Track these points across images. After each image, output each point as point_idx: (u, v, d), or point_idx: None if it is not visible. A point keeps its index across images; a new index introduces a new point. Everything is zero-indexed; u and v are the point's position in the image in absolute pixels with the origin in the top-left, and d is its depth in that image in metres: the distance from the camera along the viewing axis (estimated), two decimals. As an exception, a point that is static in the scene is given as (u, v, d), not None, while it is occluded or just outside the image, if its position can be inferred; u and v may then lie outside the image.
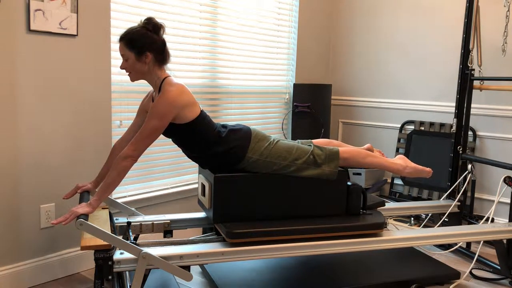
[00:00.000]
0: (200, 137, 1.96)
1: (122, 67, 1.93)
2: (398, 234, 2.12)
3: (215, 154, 1.99)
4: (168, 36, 2.78)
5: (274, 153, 2.02)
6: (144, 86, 2.69)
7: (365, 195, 2.17)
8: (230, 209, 1.97)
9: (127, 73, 1.95)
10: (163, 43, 1.93)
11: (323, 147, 2.12)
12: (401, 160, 2.30)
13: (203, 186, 2.10)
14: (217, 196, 1.95)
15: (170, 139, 2.05)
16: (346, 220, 2.05)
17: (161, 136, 1.98)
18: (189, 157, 2.08)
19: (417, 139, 3.61)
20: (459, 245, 2.68)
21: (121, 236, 2.10)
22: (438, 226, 2.62)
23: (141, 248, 1.73)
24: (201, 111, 1.98)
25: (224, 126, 2.07)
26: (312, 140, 2.25)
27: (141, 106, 2.12)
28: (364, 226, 2.03)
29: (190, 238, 1.98)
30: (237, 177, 1.97)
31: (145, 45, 1.87)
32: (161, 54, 1.93)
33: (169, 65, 2.00)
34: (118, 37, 1.91)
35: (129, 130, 2.13)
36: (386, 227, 2.13)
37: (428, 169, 2.30)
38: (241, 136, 2.02)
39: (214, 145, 1.98)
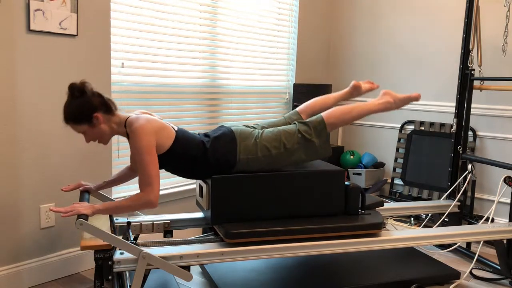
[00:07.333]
0: (187, 156, 1.92)
1: (87, 141, 1.88)
2: (397, 234, 2.12)
3: (207, 165, 1.95)
4: (168, 36, 2.78)
5: (263, 146, 1.98)
6: (144, 86, 2.69)
7: (364, 195, 2.17)
8: (228, 210, 1.97)
9: (97, 143, 1.88)
10: (98, 96, 1.84)
11: (308, 121, 2.06)
12: (387, 96, 2.21)
13: (201, 188, 2.10)
14: (215, 197, 1.94)
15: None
16: (344, 220, 2.05)
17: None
18: (190, 178, 2.05)
19: (417, 139, 3.61)
20: (457, 244, 2.68)
21: (121, 236, 2.10)
22: (438, 226, 2.62)
23: (141, 248, 1.73)
24: (177, 130, 1.93)
25: (206, 135, 2.03)
26: (298, 109, 2.23)
27: None
28: (362, 226, 2.03)
29: (189, 239, 1.98)
30: (234, 177, 1.96)
31: (88, 111, 1.80)
32: (105, 106, 1.85)
33: (119, 107, 1.93)
34: (65, 121, 1.84)
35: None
36: (384, 227, 2.12)
37: (415, 93, 2.21)
38: (226, 141, 1.98)
39: (203, 158, 1.95)
